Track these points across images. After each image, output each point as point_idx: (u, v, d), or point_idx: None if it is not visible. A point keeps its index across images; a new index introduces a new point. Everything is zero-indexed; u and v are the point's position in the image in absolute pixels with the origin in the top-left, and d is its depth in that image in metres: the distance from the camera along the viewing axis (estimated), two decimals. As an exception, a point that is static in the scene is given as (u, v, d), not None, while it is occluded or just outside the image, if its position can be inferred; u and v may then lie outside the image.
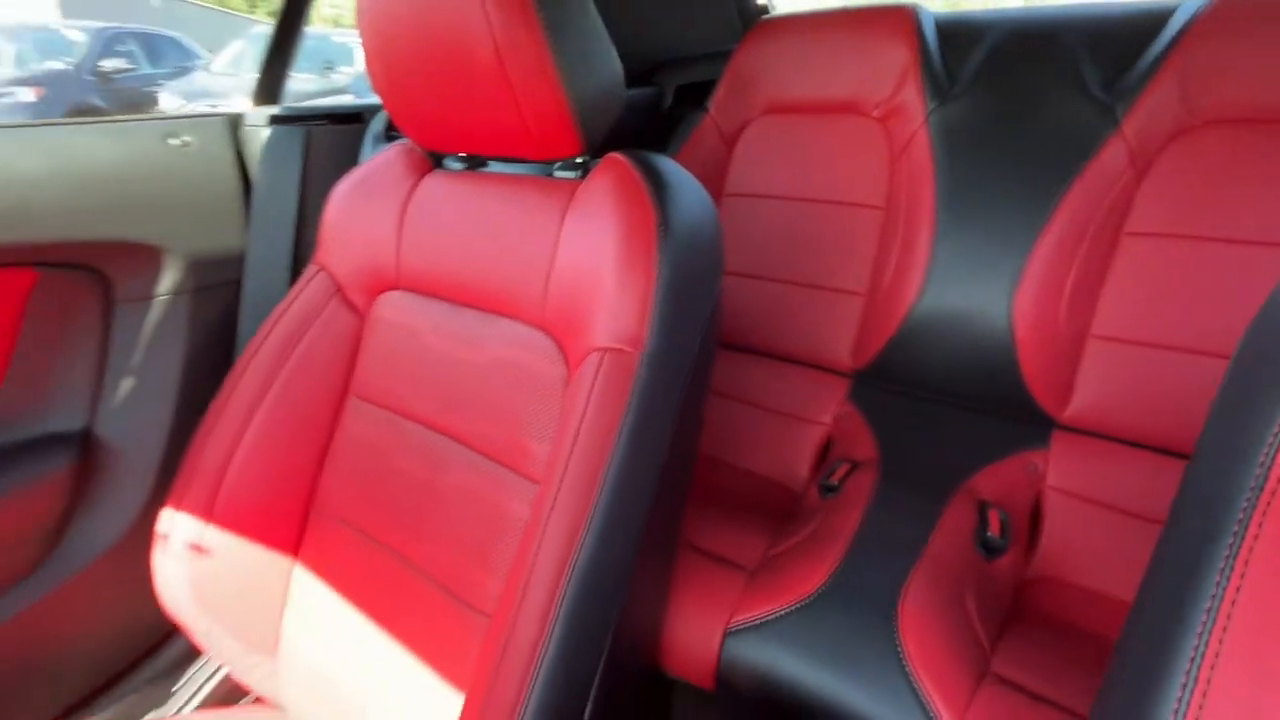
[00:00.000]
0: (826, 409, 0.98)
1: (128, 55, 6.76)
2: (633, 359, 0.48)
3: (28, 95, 5.78)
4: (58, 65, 6.24)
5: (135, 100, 6.33)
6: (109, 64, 6.55)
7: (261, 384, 0.65)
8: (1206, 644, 0.27)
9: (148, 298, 0.80)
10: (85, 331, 0.77)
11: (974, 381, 0.88)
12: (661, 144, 1.15)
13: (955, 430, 0.87)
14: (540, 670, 0.45)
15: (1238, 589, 0.27)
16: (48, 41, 6.41)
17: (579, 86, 0.51)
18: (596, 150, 0.56)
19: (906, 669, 0.55)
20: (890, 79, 0.96)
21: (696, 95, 1.13)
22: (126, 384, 0.79)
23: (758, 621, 0.62)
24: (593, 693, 0.49)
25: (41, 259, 0.72)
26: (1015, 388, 0.85)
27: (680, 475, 0.56)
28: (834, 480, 0.86)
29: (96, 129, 0.76)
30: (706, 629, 0.63)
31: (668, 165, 0.57)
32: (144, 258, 0.79)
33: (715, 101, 1.10)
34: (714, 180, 1.12)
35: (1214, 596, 0.27)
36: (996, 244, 0.85)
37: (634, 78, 1.23)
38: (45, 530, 0.74)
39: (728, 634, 0.62)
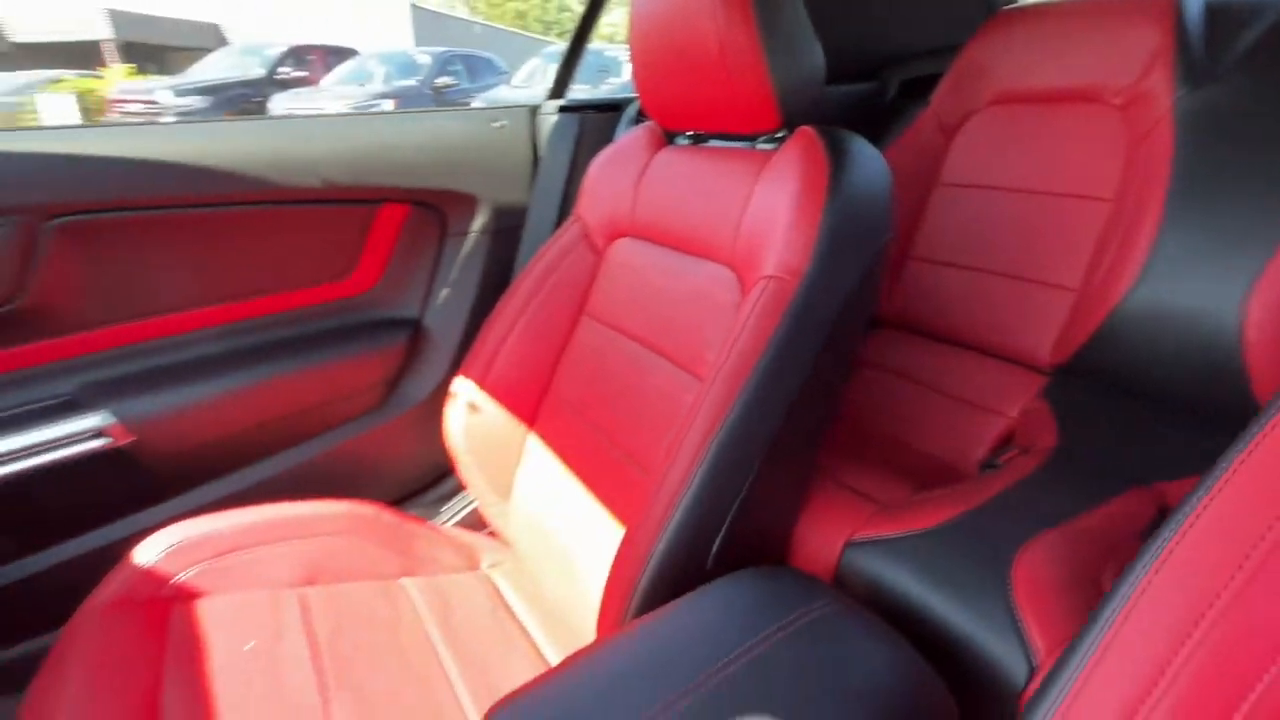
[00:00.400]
0: (1015, 402, 0.97)
1: (455, 73, 8.37)
2: (791, 285, 0.61)
3: (388, 106, 7.48)
4: (409, 82, 7.97)
5: (451, 105, 7.87)
6: (441, 80, 8.16)
7: (526, 300, 0.90)
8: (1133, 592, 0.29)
9: (465, 233, 1.13)
10: (427, 251, 1.13)
11: (1188, 386, 0.81)
12: (879, 136, 1.21)
13: (1154, 435, 0.82)
14: (677, 512, 0.58)
15: (1184, 535, 0.29)
16: (405, 64, 8.21)
17: (782, 75, 0.64)
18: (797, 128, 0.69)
19: (1010, 598, 0.59)
20: (1137, 64, 0.92)
21: (922, 89, 1.18)
22: (444, 291, 1.13)
23: (878, 539, 0.70)
24: (716, 544, 0.61)
25: (411, 199, 1.08)
26: (1239, 398, 0.77)
27: (820, 397, 0.66)
28: (999, 461, 0.86)
29: (451, 115, 1.11)
30: (830, 536, 0.73)
31: (851, 138, 0.67)
32: (467, 204, 1.12)
33: (939, 94, 1.13)
34: (928, 170, 1.15)
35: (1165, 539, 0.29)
36: (1233, 239, 0.78)
37: (860, 73, 1.31)
38: (387, 381, 1.11)
39: (849, 544, 0.71)
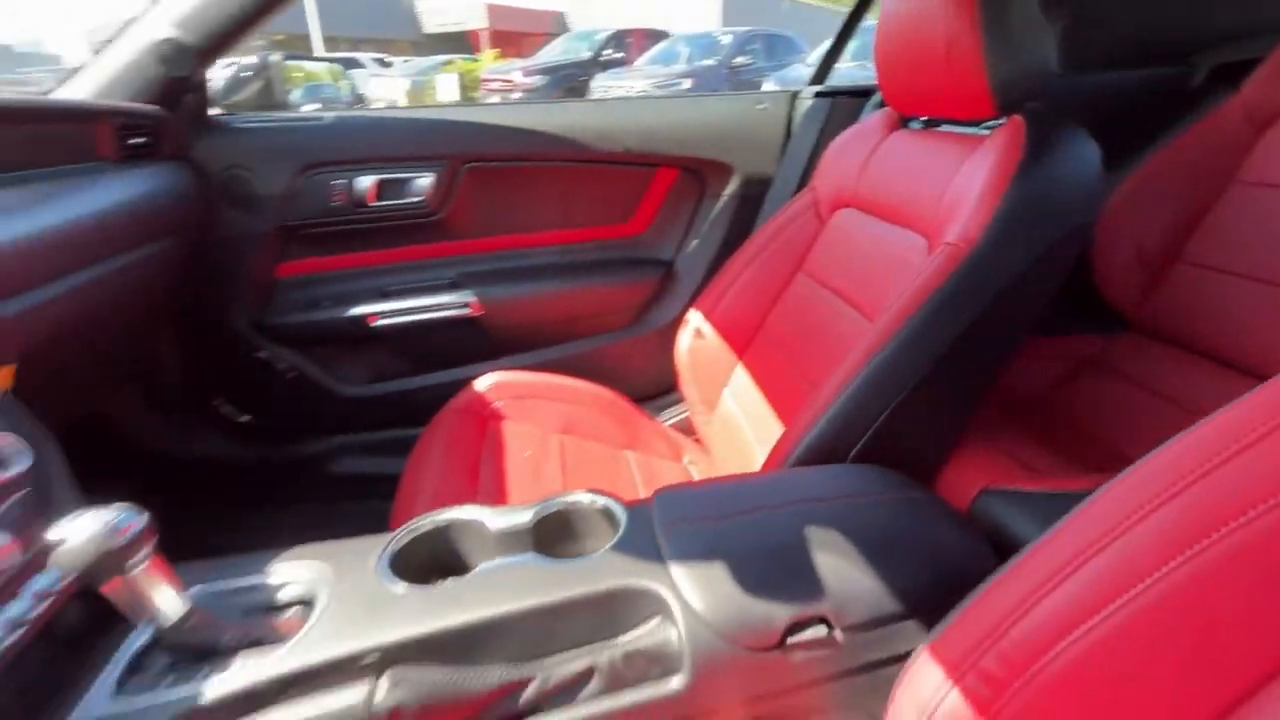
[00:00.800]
0: None
1: (753, 52, 8.61)
2: (962, 252, 0.71)
3: (685, 84, 8.05)
4: (709, 62, 8.45)
5: (745, 88, 8.16)
6: (738, 60, 8.48)
7: (755, 253, 1.09)
8: None
9: (719, 195, 1.38)
10: (686, 208, 1.40)
11: None
12: (1174, 125, 1.12)
13: None
14: (825, 415, 0.73)
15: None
16: (708, 45, 8.69)
17: (1000, 70, 0.73)
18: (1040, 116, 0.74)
19: None
20: None
21: (1236, 75, 1.06)
22: (695, 241, 1.40)
23: (1014, 491, 0.76)
24: (854, 452, 0.74)
25: (682, 165, 1.35)
26: None
27: (975, 354, 0.74)
28: None
29: (723, 98, 1.35)
30: (970, 482, 0.80)
31: (1061, 128, 0.73)
32: (724, 172, 1.36)
33: (1254, 80, 1.02)
34: (1223, 166, 1.05)
35: None
36: None
37: (1168, 56, 1.19)
38: (641, 305, 1.42)
39: (984, 491, 0.78)
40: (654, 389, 1.40)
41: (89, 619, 0.53)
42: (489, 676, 0.48)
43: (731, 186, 1.37)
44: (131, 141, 0.94)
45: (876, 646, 0.53)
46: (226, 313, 1.20)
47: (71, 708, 0.46)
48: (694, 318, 1.15)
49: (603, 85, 8.08)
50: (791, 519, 0.58)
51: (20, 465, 0.52)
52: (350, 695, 0.45)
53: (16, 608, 0.48)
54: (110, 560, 0.45)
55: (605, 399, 1.18)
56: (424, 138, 1.24)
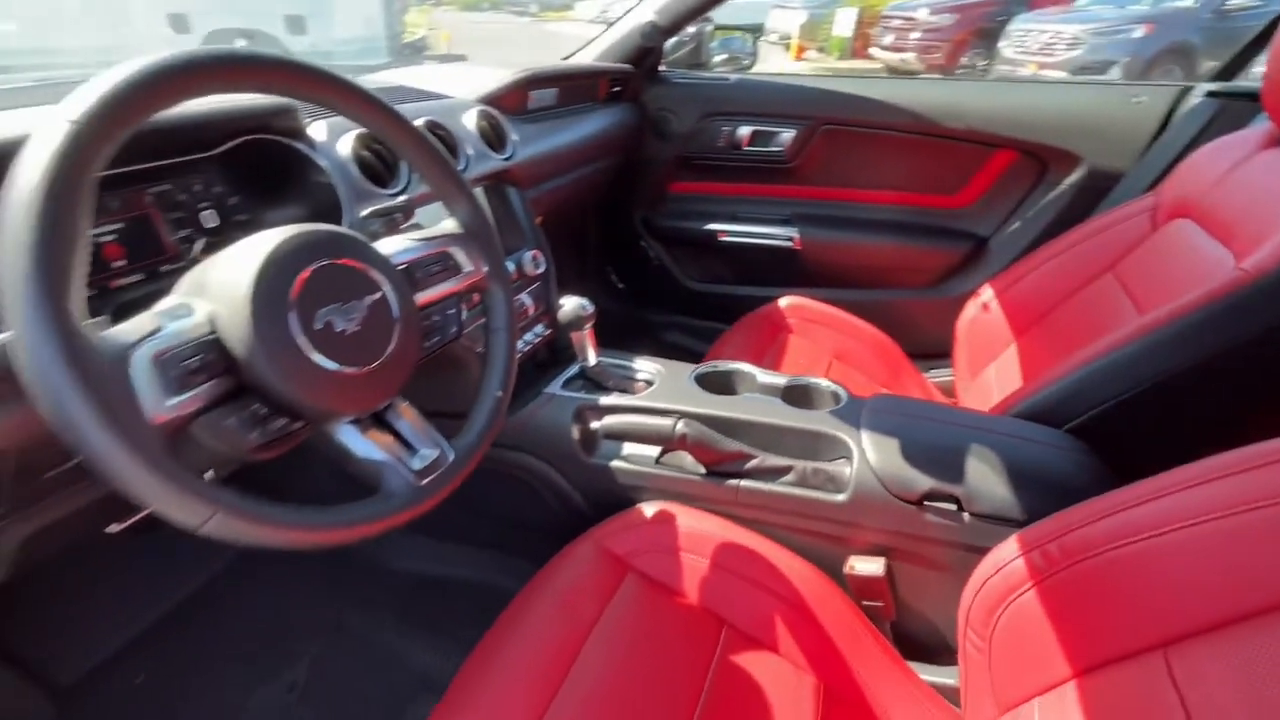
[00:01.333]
0: None
1: (1271, -12, 6.43)
2: (1247, 279, 0.74)
3: (1137, 32, 6.49)
4: (1186, 3, 6.62)
5: (1229, 37, 6.22)
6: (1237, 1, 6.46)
7: (1067, 246, 1.13)
8: None
9: (1056, 184, 1.39)
10: (1017, 190, 1.46)
11: None
12: None
13: None
14: (1054, 383, 0.85)
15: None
16: (1191, -18, 6.74)
17: None
18: None
19: None
20: None
21: None
22: (1016, 223, 1.45)
23: None
24: (1069, 425, 0.84)
25: (1022, 149, 1.41)
26: None
27: (1233, 380, 0.77)
28: None
29: (1096, 87, 1.33)
30: None
31: None
32: (1068, 160, 1.37)
33: None
34: None
35: None
36: None
37: None
38: (943, 270, 1.55)
39: None
40: (929, 349, 1.53)
41: (551, 357, 1.05)
42: (732, 444, 0.84)
43: (1073, 177, 1.37)
44: (613, 90, 1.46)
45: (992, 537, 0.73)
46: (629, 212, 1.73)
47: (544, 386, 0.96)
48: (985, 292, 1.26)
49: (1021, 29, 7.06)
50: (964, 434, 0.79)
51: (542, 267, 1.04)
52: (664, 422, 0.86)
53: (528, 336, 1.00)
54: (578, 321, 0.92)
55: (881, 342, 1.39)
56: (796, 99, 1.54)
